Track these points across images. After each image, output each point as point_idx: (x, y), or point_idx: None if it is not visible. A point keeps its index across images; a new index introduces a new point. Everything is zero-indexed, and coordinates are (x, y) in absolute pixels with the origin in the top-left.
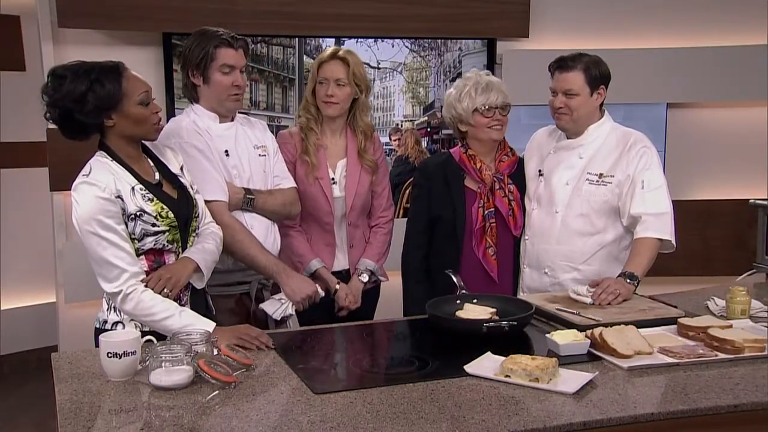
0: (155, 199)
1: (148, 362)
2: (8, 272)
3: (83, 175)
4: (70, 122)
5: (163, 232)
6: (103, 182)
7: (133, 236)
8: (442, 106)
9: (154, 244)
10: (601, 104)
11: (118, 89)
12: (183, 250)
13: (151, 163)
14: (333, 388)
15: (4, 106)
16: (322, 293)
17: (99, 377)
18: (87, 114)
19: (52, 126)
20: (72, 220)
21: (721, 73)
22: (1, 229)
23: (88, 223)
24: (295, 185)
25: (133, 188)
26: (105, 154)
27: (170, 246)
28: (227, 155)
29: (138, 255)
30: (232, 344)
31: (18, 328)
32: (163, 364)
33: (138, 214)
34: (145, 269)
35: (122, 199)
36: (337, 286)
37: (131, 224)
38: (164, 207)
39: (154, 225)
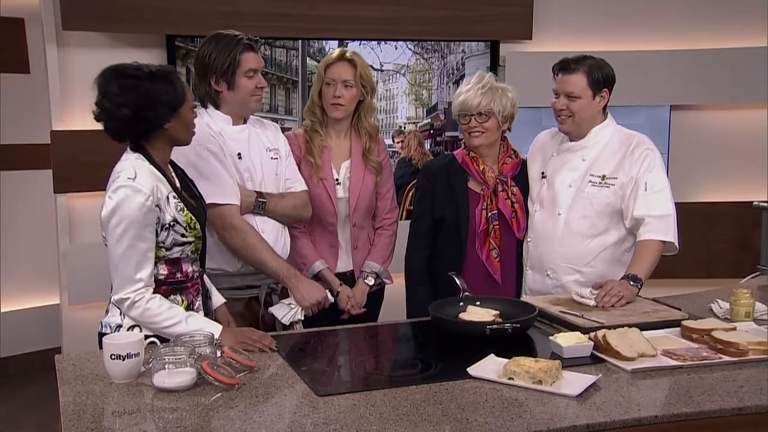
0: (185, 209)
1: (151, 364)
2: (12, 274)
3: (129, 178)
4: (137, 123)
5: (190, 242)
6: (149, 190)
7: (162, 245)
8: (445, 109)
9: (180, 254)
10: (605, 107)
11: (183, 92)
12: (200, 258)
13: (173, 171)
14: (336, 391)
15: (7, 108)
16: (331, 299)
17: (102, 379)
18: (159, 114)
19: (56, 128)
20: (101, 218)
21: (725, 75)
22: (4, 231)
23: (124, 227)
24: (307, 188)
25: (167, 197)
26: (142, 157)
27: (192, 256)
28: (240, 158)
29: (159, 261)
30: (236, 347)
31: (22, 330)
32: (166, 366)
33: (171, 224)
34: (164, 275)
35: (160, 208)
36: (339, 289)
37: (164, 233)
38: (193, 218)
39: (183, 235)
